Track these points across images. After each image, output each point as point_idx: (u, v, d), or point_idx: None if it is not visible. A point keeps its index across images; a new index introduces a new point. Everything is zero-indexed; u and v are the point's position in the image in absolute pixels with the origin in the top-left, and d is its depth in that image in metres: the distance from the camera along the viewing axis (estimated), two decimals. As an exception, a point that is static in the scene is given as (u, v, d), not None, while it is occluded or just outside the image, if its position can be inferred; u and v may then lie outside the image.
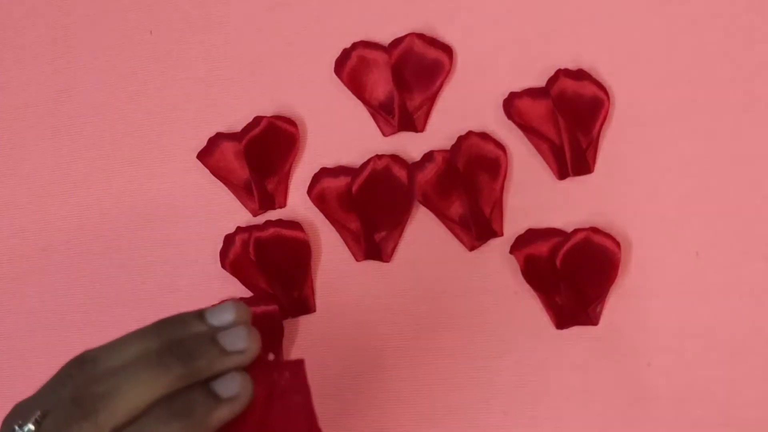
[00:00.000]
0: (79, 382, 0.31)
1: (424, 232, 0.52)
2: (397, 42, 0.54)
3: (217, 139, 0.55)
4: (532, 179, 0.52)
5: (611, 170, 0.51)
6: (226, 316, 0.34)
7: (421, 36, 0.54)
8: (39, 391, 0.32)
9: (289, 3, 0.57)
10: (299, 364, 0.35)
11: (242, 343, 0.33)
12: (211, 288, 0.54)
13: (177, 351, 0.32)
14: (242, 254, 0.53)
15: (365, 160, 0.53)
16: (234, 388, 0.33)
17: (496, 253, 0.51)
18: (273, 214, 0.54)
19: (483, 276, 0.51)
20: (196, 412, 0.31)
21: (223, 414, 0.32)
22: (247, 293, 0.53)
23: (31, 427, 0.30)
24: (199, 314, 0.34)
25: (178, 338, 0.33)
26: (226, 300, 0.34)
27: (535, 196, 0.52)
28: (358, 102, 0.54)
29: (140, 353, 0.32)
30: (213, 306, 0.34)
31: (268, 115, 0.55)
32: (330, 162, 0.54)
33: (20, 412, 0.31)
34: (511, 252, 0.50)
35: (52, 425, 0.30)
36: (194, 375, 0.32)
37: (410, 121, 0.53)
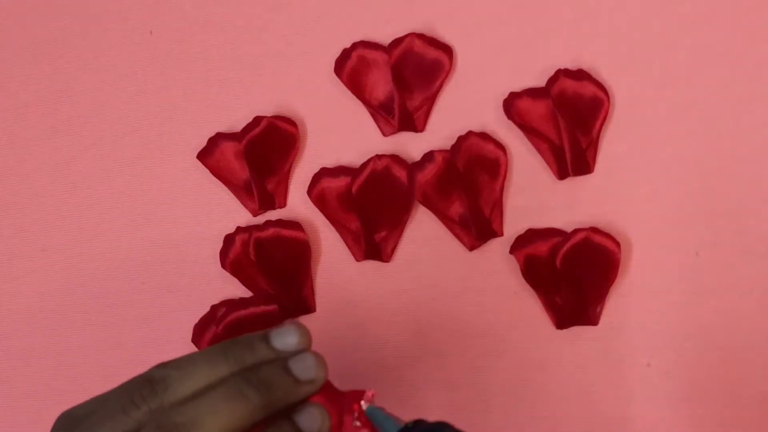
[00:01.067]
0: (154, 406, 0.31)
1: (424, 232, 0.52)
2: (397, 42, 0.54)
3: (217, 139, 0.55)
4: (532, 179, 0.52)
5: (611, 170, 0.51)
6: (290, 340, 0.34)
7: (421, 36, 0.54)
8: (106, 409, 0.31)
9: (289, 3, 0.57)
10: (370, 397, 0.35)
11: (312, 372, 0.34)
12: (211, 288, 0.54)
13: (254, 381, 0.32)
14: (242, 254, 0.53)
15: (365, 160, 0.53)
16: (316, 423, 0.33)
17: (496, 253, 0.51)
18: (273, 214, 0.54)
19: (483, 276, 0.51)
20: None
21: None
22: (247, 293, 0.53)
23: None
24: (264, 337, 0.34)
25: (247, 364, 0.33)
26: (288, 322, 0.35)
27: (535, 196, 0.52)
28: (358, 102, 0.54)
29: (213, 379, 0.32)
30: (276, 328, 0.34)
31: (268, 115, 0.55)
32: (330, 162, 0.54)
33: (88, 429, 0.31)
34: (511, 252, 0.50)
35: None
36: (271, 406, 0.32)
37: (410, 121, 0.53)
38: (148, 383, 0.31)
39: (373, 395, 0.35)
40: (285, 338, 0.34)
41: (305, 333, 0.35)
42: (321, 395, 0.34)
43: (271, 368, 0.33)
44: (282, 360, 0.33)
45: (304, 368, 0.33)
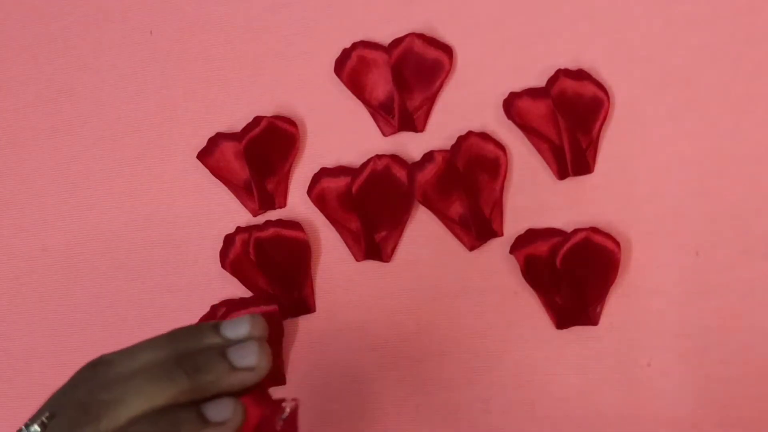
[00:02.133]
0: (90, 386, 0.31)
1: (424, 232, 0.52)
2: (397, 42, 0.54)
3: (217, 139, 0.55)
4: (532, 179, 0.52)
5: (611, 170, 0.51)
6: (241, 330, 0.34)
7: (421, 36, 0.54)
8: (56, 392, 0.33)
9: (289, 3, 0.57)
10: (294, 405, 0.34)
11: (252, 359, 0.33)
12: (211, 288, 0.54)
13: (186, 364, 0.32)
14: (242, 254, 0.53)
15: (365, 160, 0.53)
16: (224, 413, 0.32)
17: (496, 253, 0.51)
18: (273, 214, 0.54)
19: (483, 276, 0.51)
20: (181, 431, 0.31)
21: None
22: (247, 293, 0.53)
23: (37, 428, 0.31)
24: (215, 326, 0.34)
25: (189, 350, 0.33)
26: (244, 314, 0.34)
27: (535, 196, 0.52)
28: (358, 102, 0.54)
29: (150, 362, 0.32)
30: (230, 319, 0.34)
31: (268, 115, 0.55)
32: (330, 162, 0.54)
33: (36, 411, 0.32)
34: (511, 252, 0.50)
35: (57, 428, 0.30)
36: (200, 390, 0.32)
37: (410, 121, 0.53)
38: (93, 366, 0.32)
39: (296, 405, 0.34)
40: (236, 328, 0.34)
41: (258, 324, 0.34)
42: (250, 397, 0.33)
43: (207, 353, 0.33)
44: (222, 347, 0.33)
45: (241, 355, 0.33)
